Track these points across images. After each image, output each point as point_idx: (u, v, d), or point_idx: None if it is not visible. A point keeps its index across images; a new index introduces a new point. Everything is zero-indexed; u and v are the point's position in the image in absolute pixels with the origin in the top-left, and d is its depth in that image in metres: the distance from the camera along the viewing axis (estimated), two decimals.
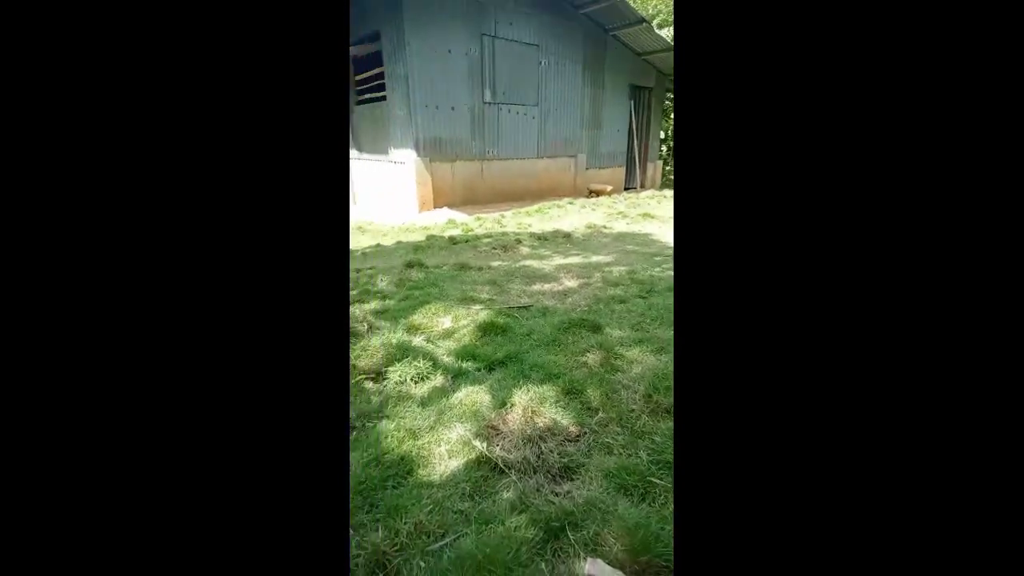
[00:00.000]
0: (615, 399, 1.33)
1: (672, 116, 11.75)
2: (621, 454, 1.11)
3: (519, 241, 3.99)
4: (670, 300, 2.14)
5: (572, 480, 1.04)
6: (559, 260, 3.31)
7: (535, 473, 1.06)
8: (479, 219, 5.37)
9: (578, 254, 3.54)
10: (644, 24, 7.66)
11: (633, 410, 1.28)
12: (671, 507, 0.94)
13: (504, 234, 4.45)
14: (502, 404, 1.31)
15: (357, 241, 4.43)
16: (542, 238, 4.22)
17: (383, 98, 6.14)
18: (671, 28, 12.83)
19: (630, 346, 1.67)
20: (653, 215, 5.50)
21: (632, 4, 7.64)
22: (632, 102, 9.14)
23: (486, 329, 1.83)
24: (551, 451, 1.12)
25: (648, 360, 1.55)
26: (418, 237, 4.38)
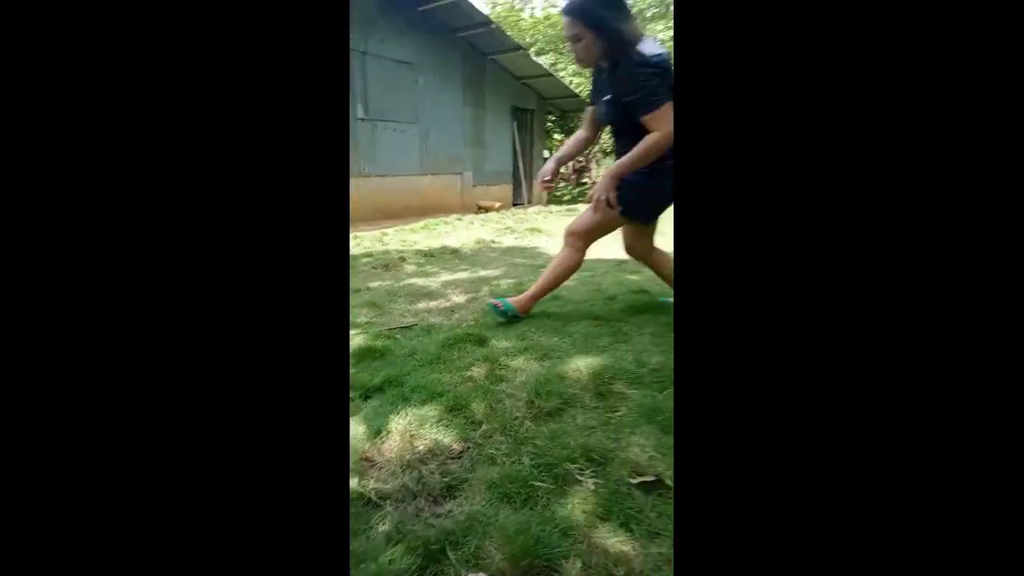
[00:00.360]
0: (499, 409, 1.34)
1: (555, 137, 12.62)
2: (504, 463, 1.11)
3: (403, 259, 3.87)
4: (554, 309, 2.23)
5: (455, 498, 1.01)
6: (446, 276, 3.27)
7: (415, 499, 1.00)
8: (357, 238, 5.12)
9: (466, 269, 3.55)
10: (521, 51, 8.10)
11: (517, 417, 1.30)
12: (552, 508, 0.95)
13: (386, 252, 4.28)
14: (377, 433, 1.22)
15: None
16: (428, 255, 4.15)
17: None
18: (550, 55, 13.84)
19: (515, 355, 1.69)
20: (540, 229, 5.78)
21: (508, 33, 8.02)
22: (515, 123, 9.58)
23: (362, 355, 1.71)
24: (432, 473, 1.07)
25: (532, 367, 1.59)
26: None
